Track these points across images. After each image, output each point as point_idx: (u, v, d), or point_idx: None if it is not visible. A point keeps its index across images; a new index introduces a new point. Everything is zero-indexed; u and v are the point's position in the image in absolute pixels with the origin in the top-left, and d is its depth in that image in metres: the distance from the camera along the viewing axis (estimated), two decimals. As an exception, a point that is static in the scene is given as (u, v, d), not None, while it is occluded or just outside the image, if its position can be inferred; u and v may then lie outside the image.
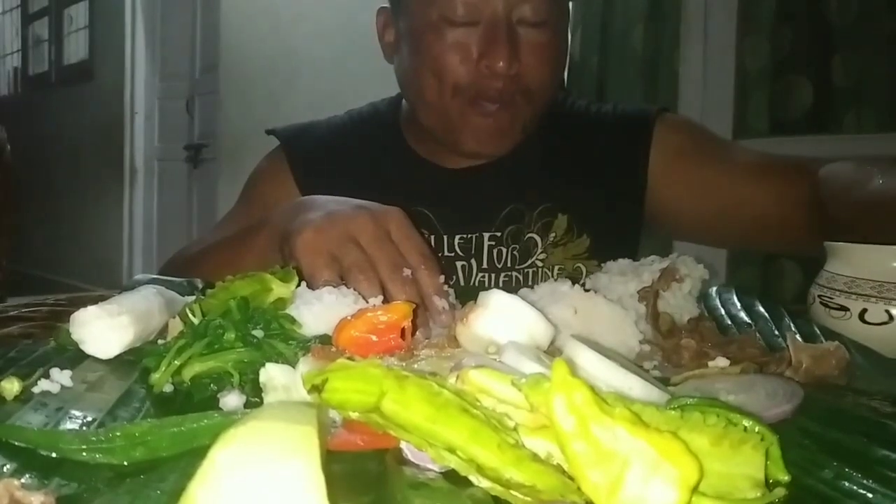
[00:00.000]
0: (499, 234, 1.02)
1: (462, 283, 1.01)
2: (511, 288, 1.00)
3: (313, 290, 0.59)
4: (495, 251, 1.02)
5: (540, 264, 1.02)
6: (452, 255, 1.01)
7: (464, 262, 1.01)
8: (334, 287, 0.59)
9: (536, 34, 0.93)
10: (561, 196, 1.03)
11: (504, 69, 0.90)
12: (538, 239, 1.02)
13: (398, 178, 1.04)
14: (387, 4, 1.04)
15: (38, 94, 6.35)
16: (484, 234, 1.02)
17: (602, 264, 0.68)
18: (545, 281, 0.99)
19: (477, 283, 1.01)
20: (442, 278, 0.64)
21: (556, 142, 1.06)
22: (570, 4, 1.07)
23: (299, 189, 1.04)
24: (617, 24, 2.62)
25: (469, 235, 1.02)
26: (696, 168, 1.02)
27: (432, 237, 1.01)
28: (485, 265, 1.02)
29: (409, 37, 0.98)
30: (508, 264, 1.02)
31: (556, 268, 1.02)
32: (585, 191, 1.03)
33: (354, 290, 0.59)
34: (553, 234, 1.02)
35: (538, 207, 1.03)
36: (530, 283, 0.98)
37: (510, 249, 1.02)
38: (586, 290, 0.56)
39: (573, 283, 0.57)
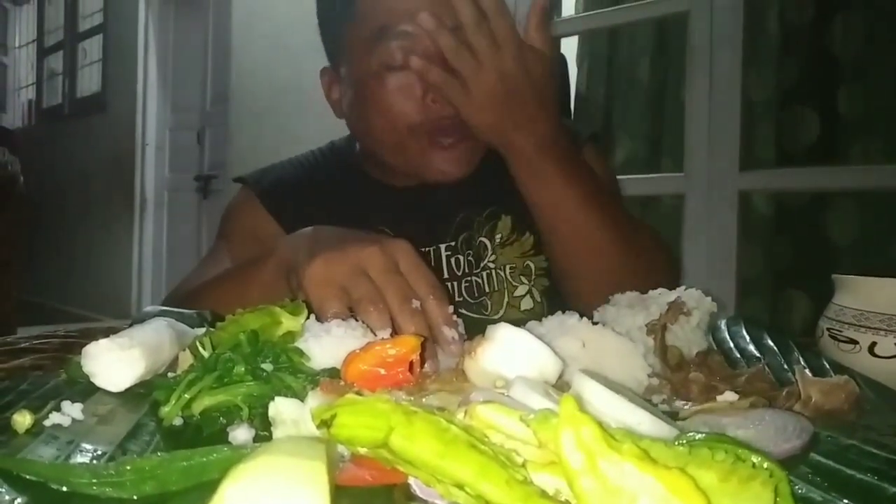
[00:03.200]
0: (453, 243, 1.07)
1: None
2: (472, 294, 1.04)
3: (322, 322, 0.59)
4: (453, 260, 1.07)
5: (492, 265, 1.07)
6: None
7: None
8: (343, 319, 0.59)
9: None
10: (502, 198, 1.06)
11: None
12: (487, 242, 1.07)
13: (358, 202, 1.09)
14: (328, 65, 1.09)
15: (52, 126, 6.45)
16: (440, 245, 1.07)
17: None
18: (500, 282, 1.05)
19: None
20: (451, 308, 0.64)
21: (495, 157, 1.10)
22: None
23: (275, 218, 1.09)
24: (623, 56, 2.64)
25: (428, 249, 1.06)
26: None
27: None
28: (445, 275, 1.06)
29: (354, 89, 1.02)
30: (466, 270, 1.06)
31: (508, 267, 1.06)
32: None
33: (364, 322, 0.60)
34: (500, 235, 1.07)
35: (484, 212, 1.08)
36: (486, 287, 1.05)
37: (465, 256, 1.07)
38: (594, 323, 0.56)
39: (581, 317, 0.57)
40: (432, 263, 1.05)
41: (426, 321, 0.63)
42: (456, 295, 1.05)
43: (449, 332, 0.62)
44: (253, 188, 1.14)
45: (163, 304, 0.98)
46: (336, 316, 0.61)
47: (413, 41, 0.94)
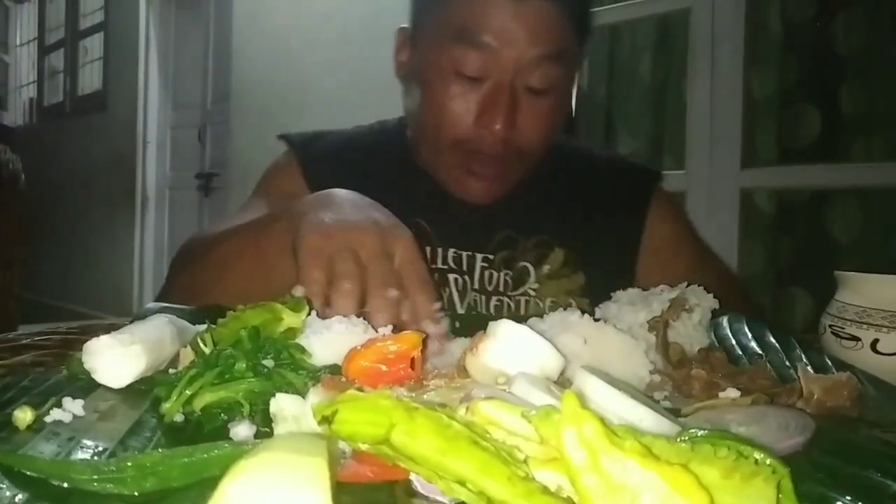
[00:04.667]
0: (491, 256, 1.05)
1: (456, 297, 1.03)
2: (501, 313, 1.03)
3: (306, 291, 0.61)
4: (487, 273, 1.04)
5: (532, 293, 1.04)
6: (445, 267, 1.03)
7: (456, 276, 1.03)
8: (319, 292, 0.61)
9: (538, 101, 0.95)
10: (557, 231, 1.06)
11: (500, 132, 0.93)
12: (531, 268, 1.05)
13: (399, 188, 1.05)
14: (407, 25, 1.06)
15: (53, 124, 6.45)
16: (477, 254, 1.05)
17: (598, 305, 0.68)
18: (536, 311, 1.01)
19: (471, 303, 1.03)
20: (437, 306, 0.65)
21: (555, 180, 1.10)
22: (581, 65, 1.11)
23: (308, 188, 1.06)
24: (625, 54, 2.64)
25: (460, 252, 1.04)
26: (674, 257, 1.09)
27: (427, 248, 1.03)
28: (476, 285, 1.04)
29: (419, 73, 1.00)
30: (500, 289, 1.04)
31: (549, 300, 1.04)
32: (584, 232, 1.06)
33: (333, 301, 0.61)
34: (548, 266, 1.05)
35: (532, 237, 1.06)
36: (521, 311, 1.02)
37: (502, 274, 1.04)
38: (596, 320, 0.56)
39: (582, 313, 0.57)
40: (464, 268, 1.04)
41: (398, 314, 0.63)
42: (483, 309, 1.03)
43: (431, 328, 0.62)
44: (297, 154, 1.12)
45: (177, 257, 0.99)
46: (314, 284, 0.63)
47: (491, 57, 0.92)
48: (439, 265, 1.03)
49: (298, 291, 0.61)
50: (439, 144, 0.99)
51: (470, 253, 1.04)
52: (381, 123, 1.19)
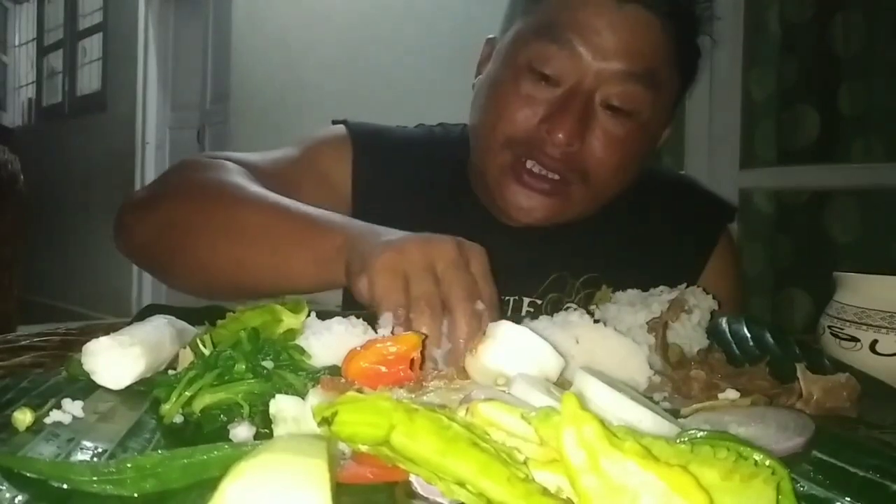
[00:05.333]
0: (539, 301, 0.97)
1: None
2: None
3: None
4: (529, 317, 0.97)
5: None
6: None
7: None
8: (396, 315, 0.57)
9: (617, 123, 0.87)
10: (608, 268, 0.96)
11: (562, 142, 0.84)
12: (578, 310, 0.97)
13: (448, 216, 0.97)
14: (495, 36, 0.99)
15: (52, 125, 6.45)
16: (524, 298, 0.96)
17: None
18: None
19: None
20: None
21: (614, 215, 0.99)
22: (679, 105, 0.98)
23: (352, 180, 0.99)
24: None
25: (508, 298, 0.95)
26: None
27: None
28: None
29: (493, 72, 0.93)
30: None
31: None
32: (638, 271, 0.90)
33: (414, 324, 0.56)
34: (595, 307, 0.97)
35: (583, 276, 0.97)
36: None
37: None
38: (595, 322, 0.56)
39: (583, 313, 0.57)
40: (509, 312, 0.93)
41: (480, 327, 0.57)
42: None
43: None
44: (353, 143, 1.01)
45: (180, 171, 0.87)
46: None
47: (572, 58, 0.84)
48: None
49: (385, 320, 0.56)
50: (492, 142, 0.89)
51: (517, 297, 0.96)
52: (445, 129, 1.09)
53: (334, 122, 1.06)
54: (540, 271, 0.97)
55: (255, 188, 0.81)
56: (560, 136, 0.84)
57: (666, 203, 1.06)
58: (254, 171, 0.88)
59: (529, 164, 0.88)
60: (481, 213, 0.98)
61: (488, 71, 0.94)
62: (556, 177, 0.88)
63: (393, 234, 0.66)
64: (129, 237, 0.88)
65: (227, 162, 0.88)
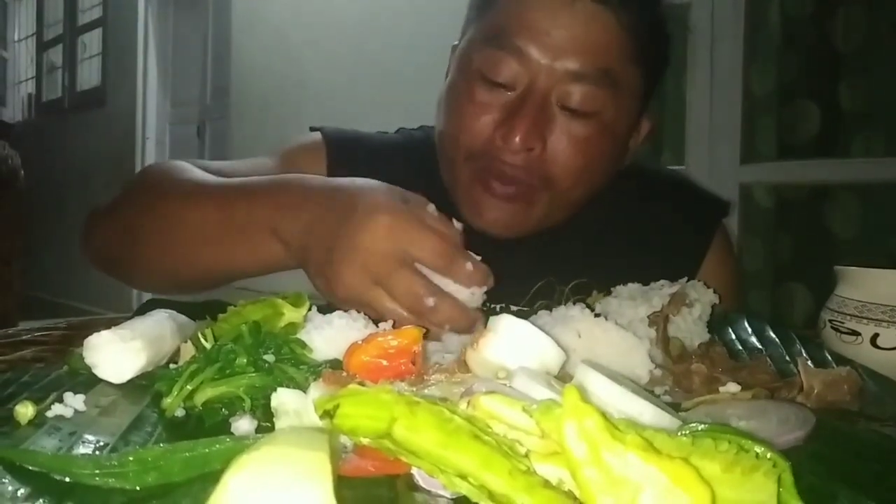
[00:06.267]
0: (526, 309, 0.92)
1: None
2: None
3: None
4: None
5: None
6: None
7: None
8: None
9: (577, 124, 0.84)
10: (599, 272, 0.90)
11: (518, 146, 0.82)
12: None
13: None
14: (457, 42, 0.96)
15: (52, 120, 6.44)
16: (511, 307, 0.91)
17: None
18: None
19: None
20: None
21: (601, 217, 0.97)
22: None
23: None
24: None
25: (495, 306, 0.90)
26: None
27: None
28: None
29: (450, 81, 0.92)
30: None
31: None
32: (630, 273, 0.86)
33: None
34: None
35: (572, 282, 0.92)
36: None
37: None
38: (596, 315, 0.56)
39: (583, 307, 0.57)
40: None
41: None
42: None
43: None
44: (328, 150, 1.00)
45: (141, 181, 0.89)
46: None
47: (522, 63, 0.82)
48: None
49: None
50: (455, 157, 0.88)
51: (503, 305, 0.91)
52: (425, 133, 1.05)
53: (311, 129, 1.05)
54: (527, 279, 0.92)
55: (200, 183, 0.80)
56: (516, 140, 0.82)
57: (657, 202, 1.04)
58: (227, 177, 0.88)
59: (494, 177, 0.86)
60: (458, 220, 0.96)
61: (447, 79, 0.93)
62: (522, 185, 0.86)
63: (325, 211, 0.65)
64: (91, 246, 0.90)
65: (184, 163, 0.87)
